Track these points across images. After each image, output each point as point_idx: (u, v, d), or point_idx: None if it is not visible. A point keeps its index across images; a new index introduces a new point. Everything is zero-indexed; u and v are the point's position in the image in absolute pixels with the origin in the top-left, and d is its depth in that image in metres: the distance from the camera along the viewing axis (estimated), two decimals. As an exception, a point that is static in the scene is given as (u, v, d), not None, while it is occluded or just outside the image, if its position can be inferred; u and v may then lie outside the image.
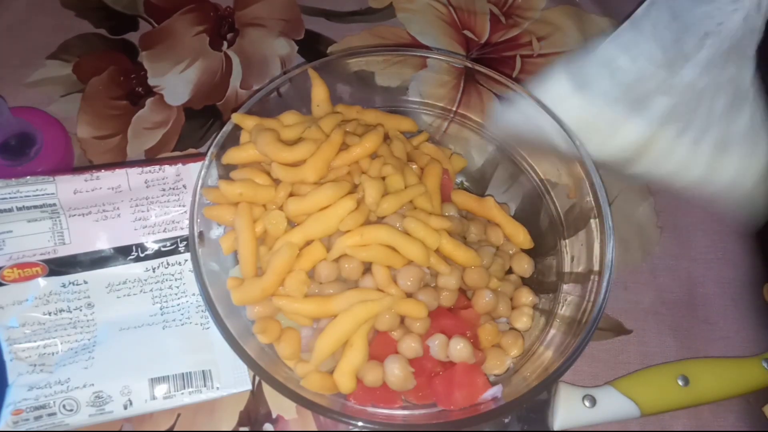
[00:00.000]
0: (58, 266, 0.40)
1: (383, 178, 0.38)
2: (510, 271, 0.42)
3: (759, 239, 0.48)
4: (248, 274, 0.37)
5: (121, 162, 0.50)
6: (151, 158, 0.50)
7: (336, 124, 0.40)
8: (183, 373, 0.39)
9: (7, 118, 0.45)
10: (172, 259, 0.42)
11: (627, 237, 0.48)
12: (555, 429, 0.39)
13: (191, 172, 0.43)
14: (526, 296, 0.40)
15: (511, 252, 0.42)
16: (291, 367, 0.36)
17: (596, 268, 0.38)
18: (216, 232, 0.40)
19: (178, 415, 0.41)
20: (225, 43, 0.56)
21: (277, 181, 0.38)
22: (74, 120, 0.51)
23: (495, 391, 0.35)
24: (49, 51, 0.54)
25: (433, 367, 0.36)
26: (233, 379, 0.40)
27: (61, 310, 0.40)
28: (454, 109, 0.47)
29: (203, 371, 0.40)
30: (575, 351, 0.35)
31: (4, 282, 0.39)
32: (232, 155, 0.39)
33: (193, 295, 0.42)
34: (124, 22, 0.56)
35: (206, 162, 0.39)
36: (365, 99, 0.45)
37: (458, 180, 0.47)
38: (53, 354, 0.39)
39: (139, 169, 0.43)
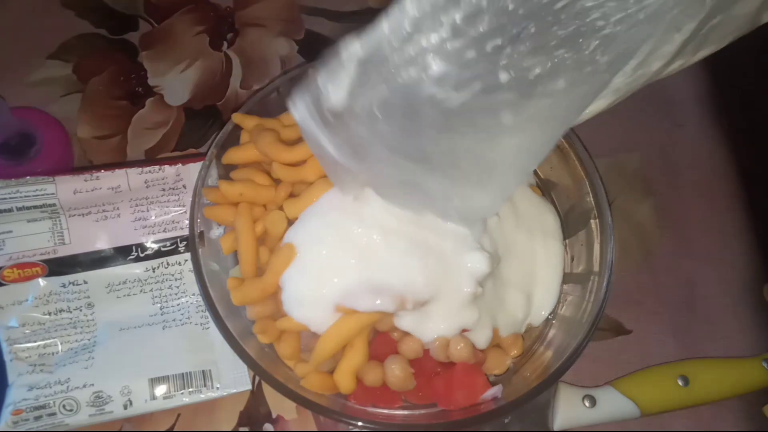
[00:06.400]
0: (58, 266, 0.40)
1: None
2: (510, 271, 0.42)
3: (759, 239, 0.48)
4: (248, 274, 0.37)
5: (121, 162, 0.50)
6: (151, 158, 0.50)
7: (336, 124, 0.40)
8: (183, 373, 0.39)
9: (7, 118, 0.45)
10: (172, 259, 0.42)
11: (627, 237, 0.48)
12: (555, 429, 0.39)
13: (191, 172, 0.43)
14: (526, 296, 0.40)
15: (511, 252, 0.42)
16: (291, 367, 0.36)
17: (596, 268, 0.38)
18: (216, 232, 0.40)
19: (178, 415, 0.41)
20: (225, 43, 0.56)
21: (277, 181, 0.38)
22: (74, 120, 0.51)
23: (495, 391, 0.35)
24: (49, 51, 0.54)
25: (433, 367, 0.36)
26: (233, 379, 0.40)
27: (61, 310, 0.40)
28: (454, 109, 0.47)
29: (203, 371, 0.40)
30: (575, 351, 0.35)
31: (4, 282, 0.39)
32: (232, 155, 0.39)
33: (193, 295, 0.42)
34: (124, 22, 0.56)
35: (206, 162, 0.39)
36: (365, 99, 0.45)
37: (458, 180, 0.47)
38: (53, 354, 0.39)
39: (139, 169, 0.43)
